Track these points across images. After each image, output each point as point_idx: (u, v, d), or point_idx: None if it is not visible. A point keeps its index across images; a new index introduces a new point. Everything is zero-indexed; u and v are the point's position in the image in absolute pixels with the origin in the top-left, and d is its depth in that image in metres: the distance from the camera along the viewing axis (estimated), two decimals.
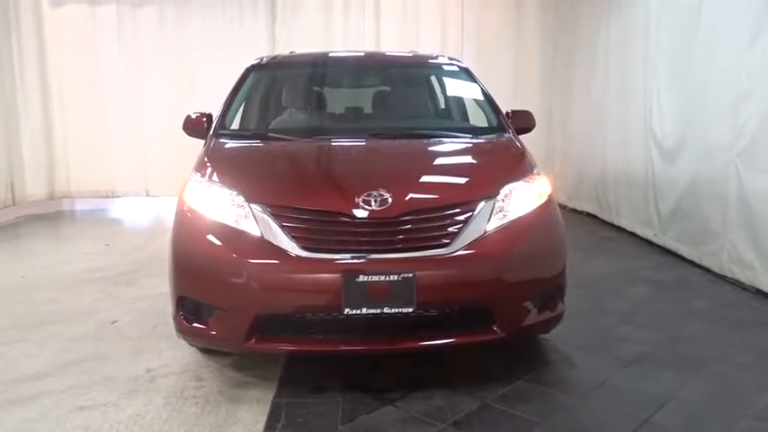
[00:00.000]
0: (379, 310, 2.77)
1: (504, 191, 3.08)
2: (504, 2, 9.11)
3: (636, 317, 4.14)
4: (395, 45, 8.54)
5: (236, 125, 4.09)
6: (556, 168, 8.71)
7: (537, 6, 9.04)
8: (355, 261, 2.79)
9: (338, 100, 4.58)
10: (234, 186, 3.05)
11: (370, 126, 4.10)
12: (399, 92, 4.55)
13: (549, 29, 8.93)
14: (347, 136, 3.74)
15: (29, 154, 8.77)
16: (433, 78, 4.72)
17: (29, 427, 2.79)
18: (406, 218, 2.88)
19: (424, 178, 3.23)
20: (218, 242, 2.92)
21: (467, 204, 2.97)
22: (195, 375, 3.28)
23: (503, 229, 2.98)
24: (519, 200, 3.11)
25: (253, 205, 2.94)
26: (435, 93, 4.70)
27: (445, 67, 4.64)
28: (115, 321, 4.14)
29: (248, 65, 4.36)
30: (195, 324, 3.00)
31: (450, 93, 4.62)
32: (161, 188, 8.78)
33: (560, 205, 8.20)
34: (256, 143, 3.83)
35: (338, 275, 2.75)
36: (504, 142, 3.72)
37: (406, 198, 2.94)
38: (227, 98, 4.03)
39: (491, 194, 3.04)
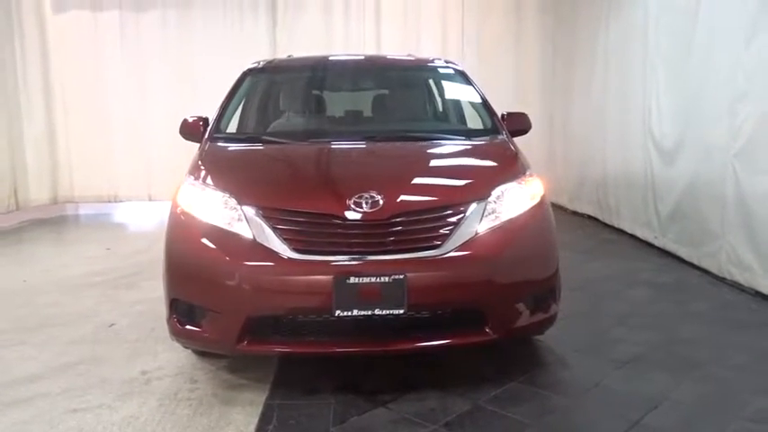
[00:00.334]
0: (370, 312, 2.77)
1: (495, 192, 3.09)
2: (504, 5, 9.13)
3: (633, 319, 4.13)
4: (395, 49, 8.56)
5: (233, 129, 4.12)
6: (557, 171, 8.70)
7: (536, 9, 9.05)
8: (346, 263, 2.80)
9: (333, 103, 4.59)
10: (226, 189, 3.07)
11: (364, 129, 4.12)
12: (394, 95, 4.56)
13: (548, 31, 8.93)
14: (341, 139, 3.75)
15: (32, 159, 8.82)
16: (428, 81, 4.72)
17: (22, 428, 2.81)
18: (397, 219, 2.88)
19: (416, 180, 3.23)
20: (210, 245, 2.94)
21: (458, 206, 2.98)
22: (190, 377, 3.30)
23: (494, 231, 2.98)
24: (511, 201, 3.11)
25: (245, 208, 2.95)
26: (430, 95, 4.71)
27: (440, 70, 4.65)
28: (113, 324, 4.16)
29: (244, 69, 4.38)
30: (188, 326, 3.02)
31: (445, 95, 4.62)
32: (164, 192, 8.81)
33: (562, 208, 8.35)
34: (250, 146, 3.84)
35: (329, 277, 2.75)
36: (497, 144, 3.72)
37: (398, 200, 2.95)
38: (223, 102, 4.06)
39: (483, 196, 3.04)
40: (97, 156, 9.05)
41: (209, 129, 3.83)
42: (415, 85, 4.68)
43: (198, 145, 3.80)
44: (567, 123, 8.43)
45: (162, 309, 3.19)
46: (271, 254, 2.83)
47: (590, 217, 7.77)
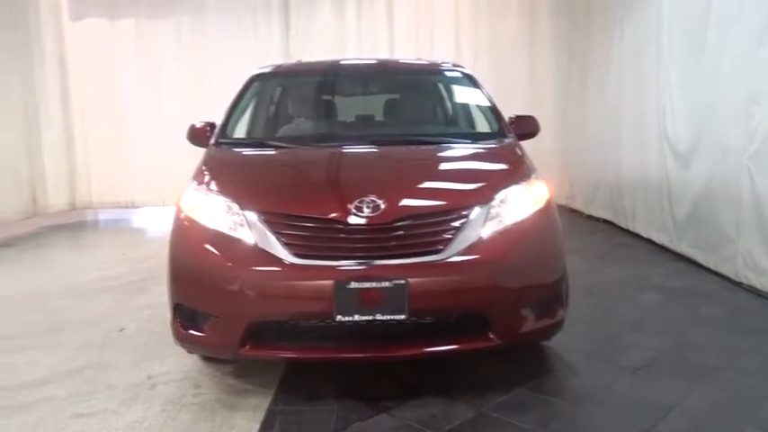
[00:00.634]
0: (371, 317, 2.75)
1: (499, 196, 3.05)
2: (518, 8, 9.08)
3: (645, 324, 4.06)
4: (409, 52, 8.55)
5: (240, 133, 4.13)
6: (572, 174, 8.63)
7: (550, 12, 8.99)
8: (346, 268, 2.78)
9: (338, 108, 4.58)
10: (229, 194, 3.07)
11: (368, 133, 4.09)
12: (400, 99, 4.54)
13: (562, 34, 8.86)
14: (344, 143, 3.73)
15: (50, 165, 8.97)
16: (434, 85, 4.69)
17: None
18: (399, 224, 2.85)
19: (418, 184, 3.19)
20: (212, 250, 2.94)
21: (460, 210, 2.94)
22: (195, 382, 3.30)
23: (498, 235, 2.94)
24: (515, 205, 3.07)
25: (247, 213, 2.95)
26: (436, 99, 4.67)
27: (448, 74, 4.62)
28: (122, 329, 4.18)
29: (251, 74, 4.39)
30: (191, 331, 3.02)
31: (452, 99, 4.59)
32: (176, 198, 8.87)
33: (577, 212, 8.27)
34: (253, 151, 3.85)
35: (329, 282, 2.73)
36: (502, 147, 3.68)
37: (399, 204, 2.92)
38: (230, 107, 4.07)
39: (486, 200, 3.00)
40: (114, 162, 9.17)
41: (214, 134, 3.84)
42: (422, 89, 4.66)
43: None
44: (582, 126, 8.34)
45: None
46: (272, 259, 2.82)
47: (605, 221, 7.67)
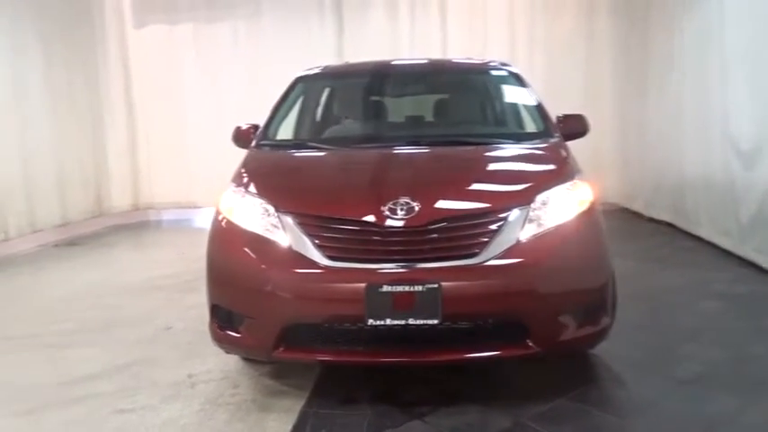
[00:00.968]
0: (403, 322, 2.69)
1: (540, 198, 2.94)
2: (576, 7, 8.83)
3: (702, 333, 3.84)
4: (462, 52, 8.43)
5: (285, 135, 4.14)
6: (632, 175, 8.34)
7: (608, 10, 8.71)
8: (379, 271, 2.73)
9: (383, 109, 4.54)
10: (265, 196, 3.08)
11: (408, 134, 4.04)
12: (445, 99, 4.46)
13: (621, 32, 8.56)
14: (385, 145, 3.69)
15: (114, 166, 9.32)
16: (482, 84, 4.59)
17: (66, 429, 2.91)
18: (433, 226, 2.79)
19: (455, 185, 3.11)
20: (248, 252, 2.95)
21: (498, 212, 2.85)
22: (233, 382, 3.33)
23: (537, 238, 2.83)
24: (557, 207, 2.95)
25: (282, 215, 2.95)
26: (485, 99, 4.56)
27: (494, 72, 4.51)
28: (170, 327, 4.28)
29: (296, 75, 4.41)
30: (228, 332, 3.04)
31: (500, 98, 4.48)
32: None
33: (637, 214, 7.97)
34: (294, 153, 3.86)
35: (361, 285, 2.70)
36: (546, 148, 3.55)
37: (434, 206, 2.86)
38: (273, 108, 4.09)
39: (525, 202, 2.90)
40: (175, 163, 9.40)
41: (256, 135, 3.87)
42: (469, 89, 4.57)
43: None
44: (642, 126, 8.03)
45: None
46: (306, 261, 2.81)
47: (667, 223, 7.35)
